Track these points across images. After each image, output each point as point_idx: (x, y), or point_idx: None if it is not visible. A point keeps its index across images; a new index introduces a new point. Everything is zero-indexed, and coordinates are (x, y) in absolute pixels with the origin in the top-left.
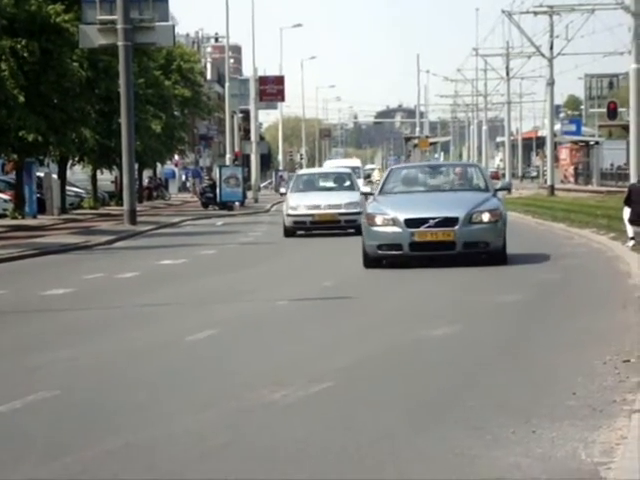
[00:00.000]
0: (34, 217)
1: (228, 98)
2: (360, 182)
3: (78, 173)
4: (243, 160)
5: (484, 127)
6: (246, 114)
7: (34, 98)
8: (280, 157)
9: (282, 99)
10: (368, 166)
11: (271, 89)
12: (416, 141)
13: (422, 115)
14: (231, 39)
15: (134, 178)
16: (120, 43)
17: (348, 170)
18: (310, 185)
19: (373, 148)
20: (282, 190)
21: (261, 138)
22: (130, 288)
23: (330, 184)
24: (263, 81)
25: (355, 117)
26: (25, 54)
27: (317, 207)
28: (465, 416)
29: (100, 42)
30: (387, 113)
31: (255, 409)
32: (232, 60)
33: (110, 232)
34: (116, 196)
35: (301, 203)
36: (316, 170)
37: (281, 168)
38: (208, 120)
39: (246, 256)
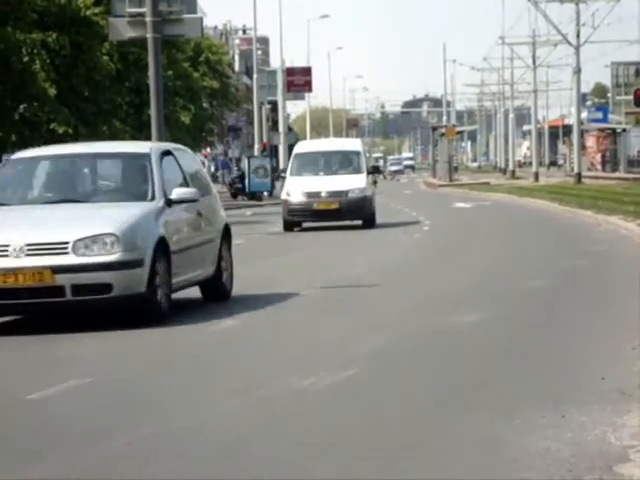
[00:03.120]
0: None
1: (256, 89)
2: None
3: None
4: (271, 151)
5: (511, 115)
6: (274, 105)
7: (65, 91)
8: None
9: (309, 90)
10: (404, 154)
11: (298, 80)
12: (443, 130)
13: (449, 104)
14: (259, 31)
15: None
16: (149, 35)
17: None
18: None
19: (400, 138)
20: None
21: (289, 129)
22: None
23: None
24: (290, 72)
25: (382, 107)
26: (56, 48)
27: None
28: (494, 401)
29: (129, 35)
30: (414, 103)
31: (286, 396)
32: (260, 52)
33: None
34: None
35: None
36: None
37: None
38: (236, 111)
39: (274, 245)
